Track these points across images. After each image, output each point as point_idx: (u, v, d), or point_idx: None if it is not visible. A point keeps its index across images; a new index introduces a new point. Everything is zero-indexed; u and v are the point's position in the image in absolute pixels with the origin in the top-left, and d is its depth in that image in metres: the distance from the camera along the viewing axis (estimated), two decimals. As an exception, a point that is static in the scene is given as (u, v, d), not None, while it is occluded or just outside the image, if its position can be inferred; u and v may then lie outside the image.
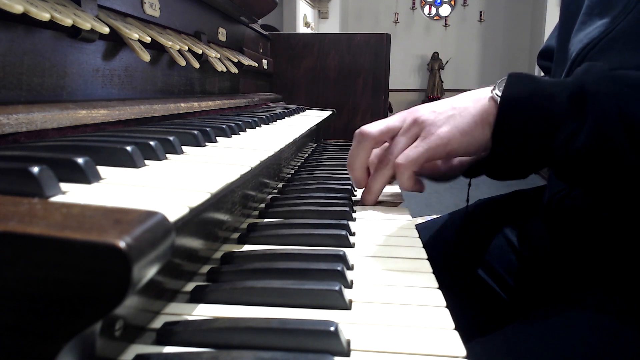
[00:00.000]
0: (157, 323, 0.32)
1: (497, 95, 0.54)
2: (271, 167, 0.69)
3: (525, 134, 0.52)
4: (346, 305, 0.35)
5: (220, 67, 0.98)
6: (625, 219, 0.57)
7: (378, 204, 0.64)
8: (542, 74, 0.90)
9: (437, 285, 0.39)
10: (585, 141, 0.49)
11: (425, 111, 0.58)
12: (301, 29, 6.79)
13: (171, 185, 0.34)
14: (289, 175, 0.83)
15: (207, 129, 0.56)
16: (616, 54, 0.57)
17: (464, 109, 0.56)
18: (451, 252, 0.76)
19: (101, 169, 0.35)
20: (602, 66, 0.51)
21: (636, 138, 0.47)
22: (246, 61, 1.19)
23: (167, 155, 0.45)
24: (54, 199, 0.28)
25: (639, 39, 0.55)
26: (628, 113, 0.47)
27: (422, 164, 0.57)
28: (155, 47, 0.76)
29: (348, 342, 0.30)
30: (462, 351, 0.29)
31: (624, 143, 0.47)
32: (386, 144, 0.61)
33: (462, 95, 0.58)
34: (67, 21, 0.50)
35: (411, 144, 0.57)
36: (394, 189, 0.73)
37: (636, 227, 0.56)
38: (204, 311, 0.34)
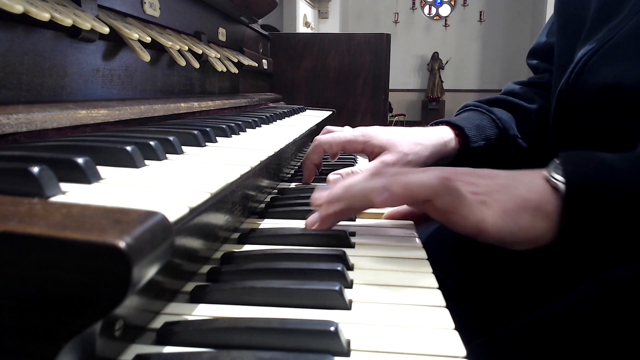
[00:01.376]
0: (157, 323, 0.32)
1: (557, 180, 0.44)
2: (271, 167, 0.69)
3: (603, 229, 0.43)
4: (346, 305, 0.35)
5: (220, 67, 0.98)
6: None
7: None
8: (532, 73, 0.91)
9: (437, 285, 0.39)
10: None
11: (462, 176, 0.47)
12: (301, 29, 6.79)
13: (171, 185, 0.34)
14: (289, 175, 0.83)
15: (207, 129, 0.56)
16: (619, 60, 0.56)
17: (513, 188, 0.45)
18: (452, 253, 0.76)
19: (101, 169, 0.35)
20: None
21: None
22: (246, 61, 1.19)
23: (167, 155, 0.45)
24: (54, 199, 0.28)
25: None
26: None
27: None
28: (155, 47, 0.76)
29: (348, 342, 0.30)
30: (462, 351, 0.29)
31: None
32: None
33: (507, 174, 0.48)
34: (67, 21, 0.50)
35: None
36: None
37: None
38: (204, 311, 0.34)
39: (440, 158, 0.72)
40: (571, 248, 0.45)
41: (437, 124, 0.77)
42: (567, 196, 0.43)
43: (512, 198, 0.45)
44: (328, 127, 0.76)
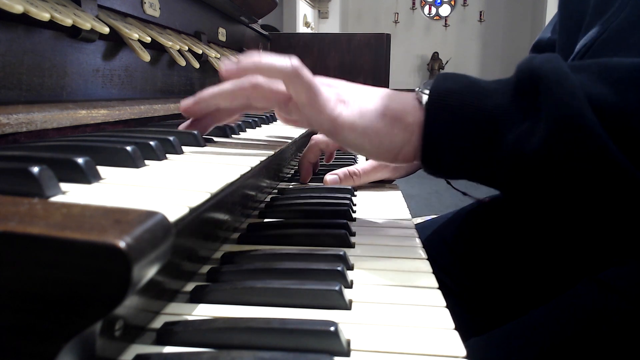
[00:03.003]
0: (157, 323, 0.32)
1: (424, 93, 0.44)
2: (271, 167, 0.68)
3: (462, 139, 0.41)
4: (346, 305, 0.35)
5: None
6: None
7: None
8: None
9: (437, 285, 0.39)
10: (545, 138, 0.37)
11: (328, 80, 0.50)
12: (301, 29, 6.79)
13: (171, 185, 0.34)
14: (289, 175, 0.83)
15: (207, 129, 0.56)
16: (608, 56, 0.56)
17: (379, 98, 0.47)
18: (451, 252, 0.76)
19: (101, 169, 0.35)
20: (553, 55, 0.40)
21: (619, 128, 0.35)
22: (246, 61, 1.19)
23: (167, 155, 0.45)
24: (54, 199, 0.28)
25: (630, 40, 0.54)
26: (600, 96, 0.36)
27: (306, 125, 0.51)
28: (155, 47, 0.76)
29: (348, 342, 0.30)
30: (462, 351, 0.29)
31: (601, 136, 0.35)
32: None
33: (383, 90, 0.49)
34: (67, 21, 0.50)
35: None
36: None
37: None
38: (204, 311, 0.34)
39: None
40: (430, 164, 0.44)
41: None
42: (427, 105, 0.42)
43: (373, 103, 0.45)
44: None
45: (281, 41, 1.78)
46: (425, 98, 0.43)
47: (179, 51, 0.81)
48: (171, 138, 0.46)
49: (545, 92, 0.37)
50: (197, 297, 0.35)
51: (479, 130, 0.40)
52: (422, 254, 0.46)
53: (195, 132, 0.52)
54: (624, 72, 0.37)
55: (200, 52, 0.89)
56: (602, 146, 0.35)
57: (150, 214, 0.23)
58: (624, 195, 0.35)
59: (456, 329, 0.32)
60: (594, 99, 0.36)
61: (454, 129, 0.41)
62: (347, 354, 0.29)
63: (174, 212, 0.28)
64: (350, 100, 0.46)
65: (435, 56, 9.12)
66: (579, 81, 0.37)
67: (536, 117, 0.38)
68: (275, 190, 0.71)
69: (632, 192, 0.35)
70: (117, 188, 0.32)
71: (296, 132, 0.78)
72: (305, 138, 0.89)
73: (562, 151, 0.36)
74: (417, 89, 0.45)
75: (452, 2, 9.27)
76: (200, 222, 0.41)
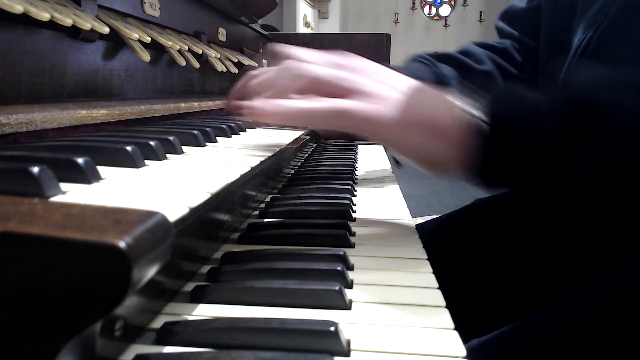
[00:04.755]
0: (157, 323, 0.32)
1: (477, 117, 0.42)
2: (271, 167, 0.68)
3: (520, 167, 0.42)
4: (346, 305, 0.34)
5: (220, 67, 0.98)
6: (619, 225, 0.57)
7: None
8: (498, 36, 0.90)
9: (437, 285, 0.39)
10: (601, 172, 0.39)
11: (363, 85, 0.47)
12: (301, 29, 6.79)
13: (171, 185, 0.34)
14: (289, 175, 0.83)
15: (207, 129, 0.56)
16: (612, 52, 0.56)
17: (428, 110, 0.44)
18: (451, 252, 0.76)
19: (101, 169, 0.35)
20: (608, 71, 0.42)
21: None
22: (246, 61, 1.19)
23: (167, 155, 0.45)
24: (54, 199, 0.28)
25: (630, 32, 0.54)
26: None
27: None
28: (155, 47, 0.76)
29: (348, 342, 0.30)
30: (462, 351, 0.29)
31: None
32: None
33: (423, 89, 0.47)
34: (67, 21, 0.50)
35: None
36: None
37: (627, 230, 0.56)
38: (204, 311, 0.34)
39: None
40: (485, 185, 0.45)
41: None
42: (490, 135, 0.41)
43: (405, 102, 0.44)
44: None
45: (281, 41, 1.78)
46: (475, 122, 0.42)
47: (179, 51, 0.81)
48: (171, 138, 0.46)
49: (607, 130, 0.38)
50: (197, 297, 0.35)
51: (536, 161, 0.41)
52: (422, 254, 0.46)
53: (196, 132, 0.52)
54: None
55: (200, 52, 0.89)
56: None
57: (150, 214, 0.23)
58: None
59: (456, 329, 0.32)
60: None
61: (513, 159, 0.42)
62: (347, 354, 0.29)
63: (174, 212, 0.28)
64: (380, 96, 0.45)
65: (435, 56, 9.12)
66: None
67: (594, 148, 0.39)
68: (276, 190, 0.71)
69: None
70: (117, 188, 0.32)
71: (296, 132, 0.78)
72: (307, 139, 0.89)
73: (616, 187, 0.39)
74: (462, 106, 0.43)
75: (452, 2, 9.27)
76: (200, 222, 0.41)
